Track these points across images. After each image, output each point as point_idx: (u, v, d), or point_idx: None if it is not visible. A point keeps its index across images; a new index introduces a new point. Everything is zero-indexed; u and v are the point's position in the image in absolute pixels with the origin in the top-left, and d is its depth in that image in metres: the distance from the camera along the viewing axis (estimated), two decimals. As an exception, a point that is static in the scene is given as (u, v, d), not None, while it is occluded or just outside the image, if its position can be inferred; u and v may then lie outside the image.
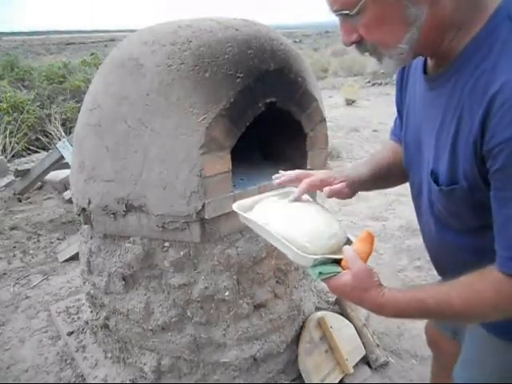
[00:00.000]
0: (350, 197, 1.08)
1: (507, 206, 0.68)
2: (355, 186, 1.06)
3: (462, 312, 0.75)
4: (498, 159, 0.66)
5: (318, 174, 1.06)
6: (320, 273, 0.82)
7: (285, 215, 0.93)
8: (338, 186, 1.04)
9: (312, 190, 1.04)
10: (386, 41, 0.76)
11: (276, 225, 0.89)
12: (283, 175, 1.07)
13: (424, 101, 0.86)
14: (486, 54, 0.67)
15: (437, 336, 1.33)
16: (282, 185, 1.07)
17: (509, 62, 0.63)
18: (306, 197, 1.06)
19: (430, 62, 0.86)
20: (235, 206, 1.01)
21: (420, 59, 0.89)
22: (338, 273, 0.82)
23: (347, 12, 0.73)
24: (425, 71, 0.86)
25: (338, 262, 0.85)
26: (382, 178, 1.12)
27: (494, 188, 0.70)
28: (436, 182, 0.81)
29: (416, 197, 0.99)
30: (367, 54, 0.80)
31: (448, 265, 0.98)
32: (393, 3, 0.70)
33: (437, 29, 0.73)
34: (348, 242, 0.94)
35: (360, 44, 0.79)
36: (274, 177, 1.08)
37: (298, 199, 1.01)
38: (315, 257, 0.83)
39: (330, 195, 1.02)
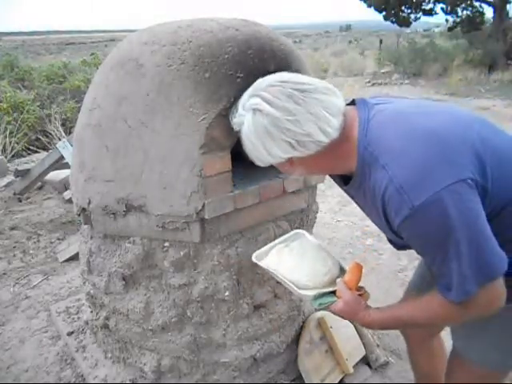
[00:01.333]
0: None
1: (433, 264, 0.94)
2: None
3: (426, 324, 1.17)
4: (404, 235, 0.94)
5: None
6: (320, 303, 1.13)
7: (289, 262, 1.22)
8: None
9: None
10: (285, 173, 1.12)
11: (283, 271, 1.20)
12: None
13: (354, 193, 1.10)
14: (367, 176, 0.96)
15: None
16: None
17: (378, 178, 0.92)
18: (306, 235, 1.35)
19: None
20: (254, 257, 1.30)
21: None
22: (333, 302, 1.11)
23: None
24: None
25: (333, 291, 1.14)
26: None
27: (415, 250, 0.97)
28: (394, 245, 1.12)
29: None
30: None
31: None
32: (279, 163, 1.01)
33: (318, 169, 1.07)
34: (342, 271, 1.22)
35: None
36: None
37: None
38: (313, 293, 1.13)
39: None
